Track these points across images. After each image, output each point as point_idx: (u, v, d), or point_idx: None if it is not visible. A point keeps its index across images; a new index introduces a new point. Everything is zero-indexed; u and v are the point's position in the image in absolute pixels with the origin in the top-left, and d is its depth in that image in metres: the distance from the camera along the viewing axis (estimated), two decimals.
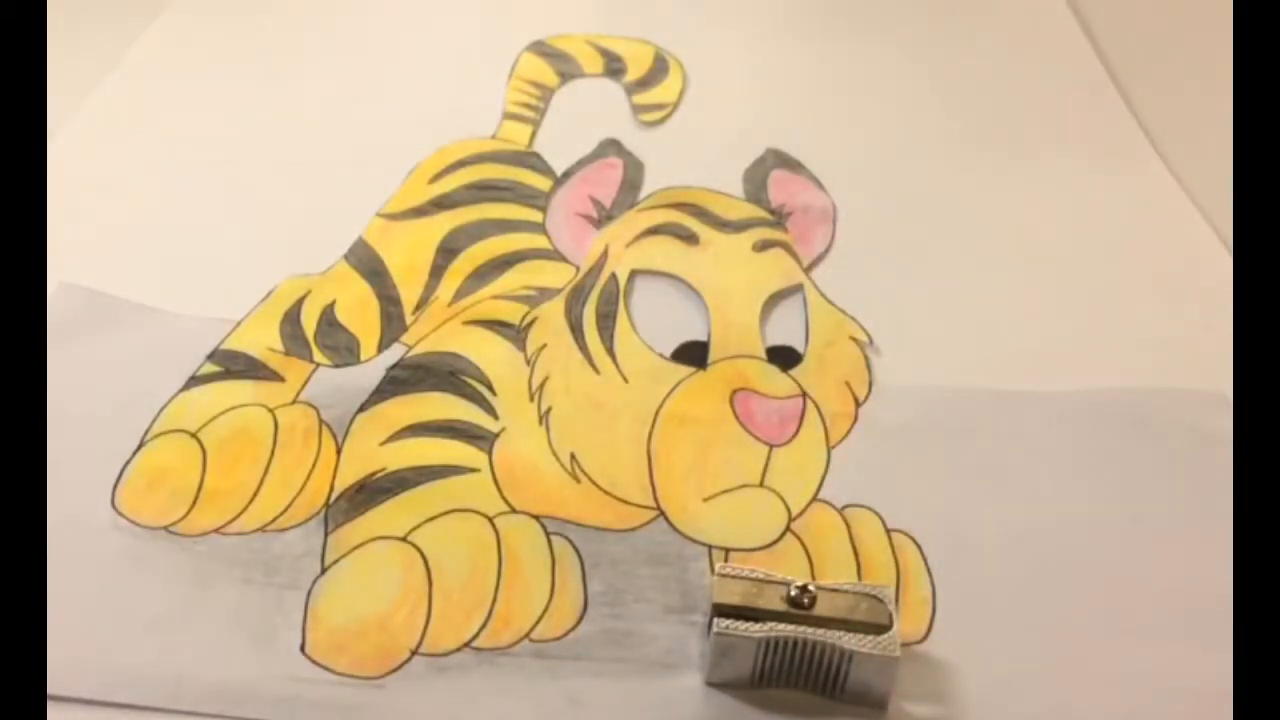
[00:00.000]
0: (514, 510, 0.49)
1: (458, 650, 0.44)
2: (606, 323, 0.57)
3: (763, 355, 0.55)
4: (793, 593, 0.42)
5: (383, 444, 0.51)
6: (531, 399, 0.53)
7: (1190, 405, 0.54)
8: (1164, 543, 0.49)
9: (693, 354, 0.55)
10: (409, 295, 0.59)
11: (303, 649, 0.44)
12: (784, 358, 0.55)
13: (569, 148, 0.69)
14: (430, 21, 0.83)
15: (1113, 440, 0.53)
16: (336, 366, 0.55)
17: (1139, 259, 0.63)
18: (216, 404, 0.52)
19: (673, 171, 0.67)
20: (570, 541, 0.48)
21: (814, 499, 0.50)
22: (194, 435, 0.51)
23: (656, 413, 0.53)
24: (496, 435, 0.52)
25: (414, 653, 0.44)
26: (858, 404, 0.54)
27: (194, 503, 0.48)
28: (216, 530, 0.47)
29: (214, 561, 0.46)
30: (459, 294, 0.59)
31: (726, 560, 0.47)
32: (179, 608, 0.45)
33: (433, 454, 0.51)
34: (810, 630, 0.41)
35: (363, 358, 0.56)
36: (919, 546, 0.48)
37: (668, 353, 0.55)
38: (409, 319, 0.58)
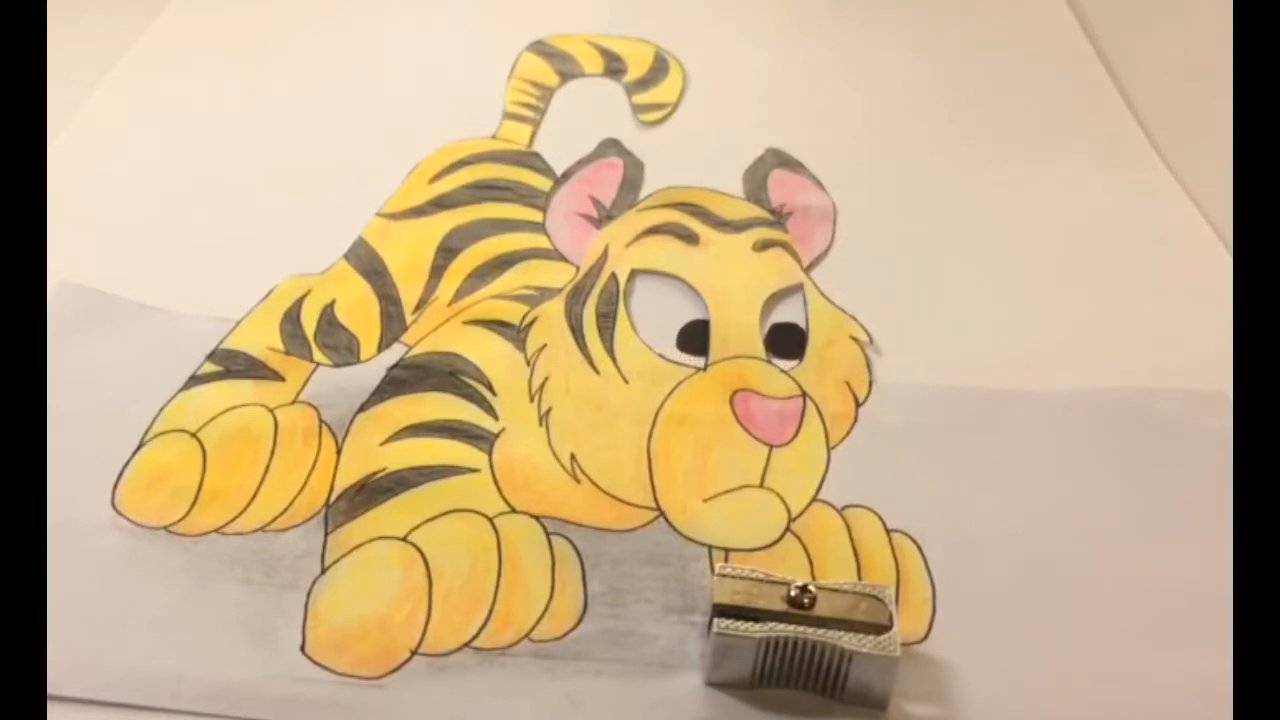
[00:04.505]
0: (514, 510, 0.49)
1: (458, 650, 0.44)
2: (606, 323, 0.57)
3: (763, 355, 0.55)
4: (793, 593, 0.42)
5: (383, 444, 0.51)
6: (531, 399, 0.53)
7: (1190, 405, 0.54)
8: (1164, 542, 0.49)
9: (696, 333, 0.55)
10: (409, 295, 0.59)
11: (303, 649, 0.44)
12: (786, 335, 0.55)
13: (569, 148, 0.69)
14: (431, 21, 0.83)
15: (1113, 440, 0.53)
16: (336, 366, 0.55)
17: (1139, 259, 0.63)
18: (217, 403, 0.52)
19: (673, 171, 0.67)
20: (570, 542, 0.48)
21: (814, 499, 0.50)
22: (194, 435, 0.51)
23: (656, 413, 0.53)
24: (496, 435, 0.52)
25: (414, 653, 0.44)
26: (858, 404, 0.54)
27: (194, 502, 0.48)
28: (216, 530, 0.47)
29: (214, 561, 0.46)
30: (459, 294, 0.59)
31: (726, 560, 0.47)
32: (179, 608, 0.45)
33: (433, 454, 0.51)
34: (810, 630, 0.41)
35: (363, 357, 0.56)
36: (919, 546, 0.48)
37: (669, 349, 0.55)
38: (409, 319, 0.58)
